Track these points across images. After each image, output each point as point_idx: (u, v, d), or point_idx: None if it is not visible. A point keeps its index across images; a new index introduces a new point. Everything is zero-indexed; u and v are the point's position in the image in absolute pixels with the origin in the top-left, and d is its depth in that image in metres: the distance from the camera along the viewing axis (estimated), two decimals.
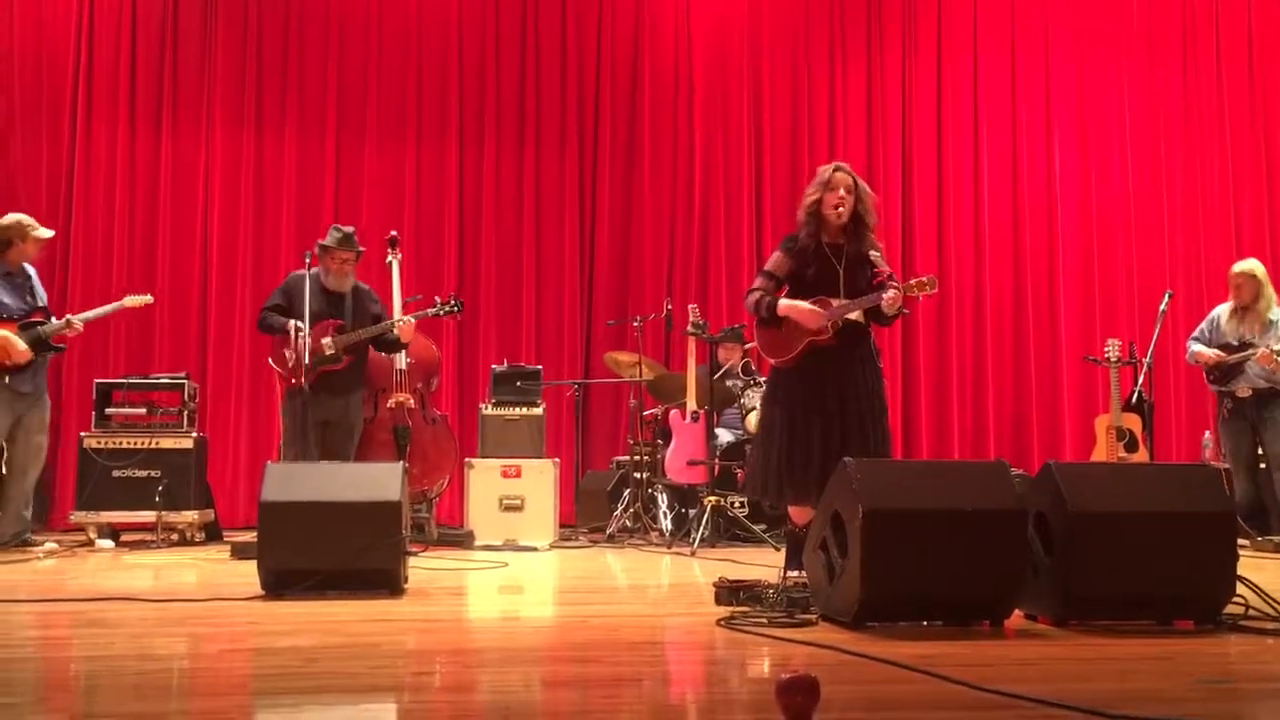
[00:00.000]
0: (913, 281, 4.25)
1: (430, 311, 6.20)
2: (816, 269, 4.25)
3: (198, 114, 8.12)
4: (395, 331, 6.02)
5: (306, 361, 5.63)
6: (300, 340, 5.69)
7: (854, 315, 4.25)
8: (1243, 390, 6.58)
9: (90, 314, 6.37)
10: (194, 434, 6.62)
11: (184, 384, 6.73)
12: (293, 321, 5.80)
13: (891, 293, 4.11)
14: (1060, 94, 8.88)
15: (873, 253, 4.25)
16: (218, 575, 4.96)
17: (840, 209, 4.23)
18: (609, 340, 8.13)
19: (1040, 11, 8.93)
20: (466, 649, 3.26)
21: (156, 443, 6.51)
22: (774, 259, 4.39)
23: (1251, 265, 6.76)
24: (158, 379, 6.89)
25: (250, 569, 4.14)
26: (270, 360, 6.13)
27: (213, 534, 6.67)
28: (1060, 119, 8.87)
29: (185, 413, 6.64)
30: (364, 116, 8.30)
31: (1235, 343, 6.64)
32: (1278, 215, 8.92)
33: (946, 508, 3.39)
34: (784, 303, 4.24)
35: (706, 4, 8.71)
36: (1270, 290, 6.69)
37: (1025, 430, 8.63)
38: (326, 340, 5.91)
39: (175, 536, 6.37)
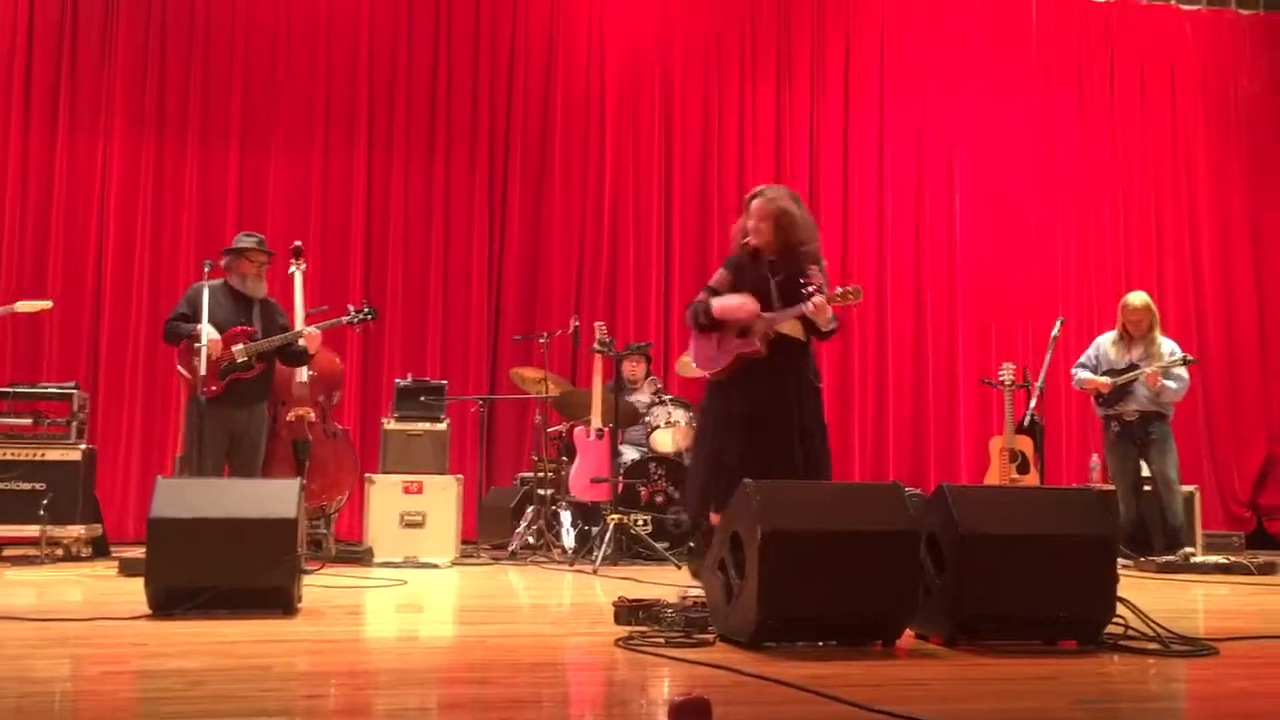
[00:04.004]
0: (838, 291, 4.25)
1: (343, 320, 6.13)
2: (749, 285, 4.32)
3: (96, 113, 7.89)
4: (301, 342, 5.93)
5: (203, 371, 5.48)
6: (200, 349, 5.55)
7: (790, 331, 4.27)
8: (1129, 413, 6.83)
9: None
10: (83, 446, 6.42)
11: (73, 394, 6.51)
12: (202, 326, 5.59)
13: (813, 303, 4.14)
14: (962, 126, 9.12)
15: (812, 267, 4.28)
16: (104, 593, 4.82)
17: (750, 239, 4.35)
18: (515, 356, 8.08)
19: (945, 45, 9.17)
20: (361, 670, 3.21)
21: (42, 454, 6.29)
22: (717, 276, 4.53)
23: (1145, 299, 7.05)
24: (45, 388, 6.67)
25: (138, 587, 4.02)
26: (179, 366, 5.94)
27: (100, 550, 6.47)
28: (962, 150, 9.10)
29: (74, 424, 6.43)
30: (270, 123, 8.14)
31: (1123, 366, 6.90)
32: (1165, 246, 9.30)
33: (842, 529, 3.45)
34: (716, 302, 4.30)
35: (619, 20, 8.75)
36: (1158, 318, 7.02)
37: (923, 451, 8.82)
38: (238, 347, 5.78)
39: (60, 552, 6.17)
